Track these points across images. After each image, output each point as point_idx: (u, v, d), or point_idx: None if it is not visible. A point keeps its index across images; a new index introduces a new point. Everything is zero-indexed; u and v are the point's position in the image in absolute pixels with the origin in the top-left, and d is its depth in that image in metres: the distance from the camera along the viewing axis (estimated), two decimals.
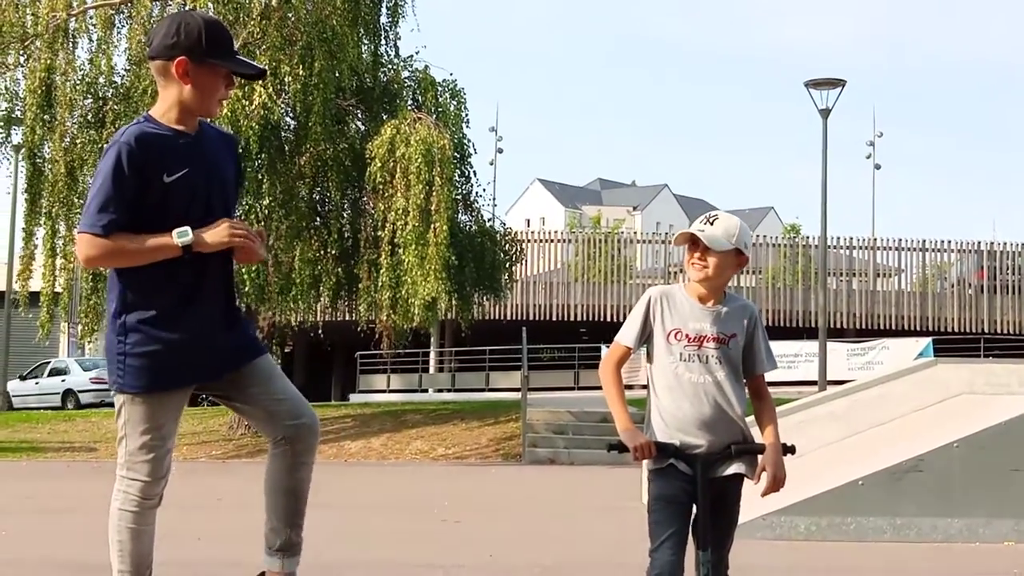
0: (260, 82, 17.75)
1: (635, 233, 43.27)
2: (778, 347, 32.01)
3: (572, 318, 33.22)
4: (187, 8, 18.45)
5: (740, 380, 3.68)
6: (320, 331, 24.00)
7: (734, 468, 3.60)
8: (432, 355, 34.41)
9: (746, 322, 3.69)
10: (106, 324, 3.79)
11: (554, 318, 33.06)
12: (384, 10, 20.64)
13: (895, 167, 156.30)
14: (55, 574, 6.52)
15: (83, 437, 21.96)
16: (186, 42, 3.63)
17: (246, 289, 18.16)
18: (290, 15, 18.75)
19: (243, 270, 17.81)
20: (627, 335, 3.66)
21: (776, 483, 3.63)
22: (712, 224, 3.61)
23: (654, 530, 3.60)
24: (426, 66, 20.76)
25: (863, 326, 32.53)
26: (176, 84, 3.65)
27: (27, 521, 9.65)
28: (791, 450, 3.67)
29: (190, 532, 7.83)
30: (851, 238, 34.75)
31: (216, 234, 3.62)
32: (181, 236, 3.58)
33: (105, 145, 17.01)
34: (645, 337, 3.65)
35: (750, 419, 3.74)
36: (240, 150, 4.05)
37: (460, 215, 20.60)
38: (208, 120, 3.88)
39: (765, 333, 3.75)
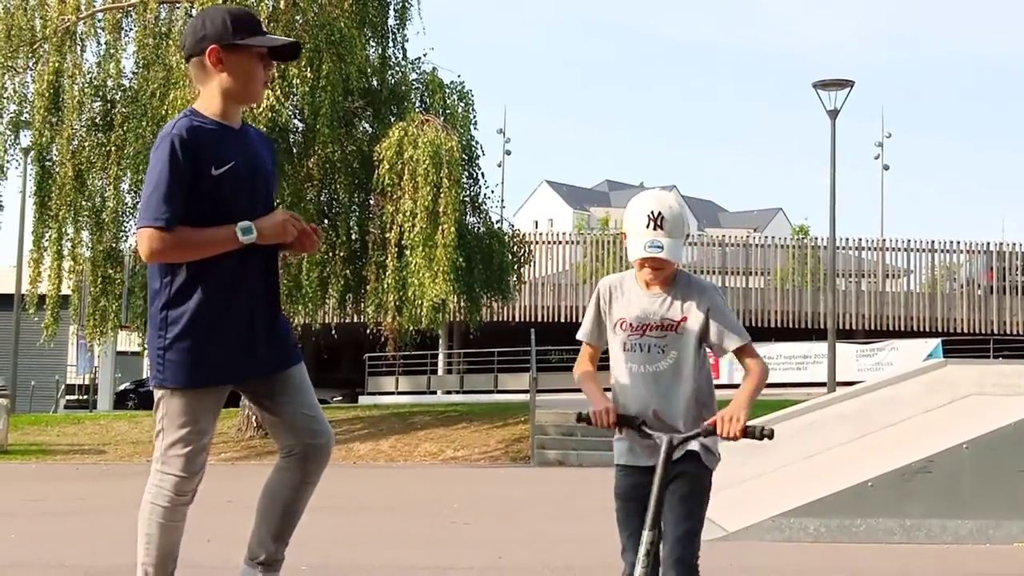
0: (269, 85, 17.74)
1: None
2: (787, 348, 32.16)
3: (580, 320, 32.86)
4: (195, 9, 18.46)
5: (697, 365, 3.50)
6: (335, 332, 24.02)
7: (693, 446, 3.46)
8: (440, 357, 34.42)
9: (699, 303, 3.52)
10: (148, 319, 3.78)
11: (562, 319, 33.03)
12: (391, 12, 20.66)
13: (904, 168, 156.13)
14: None
15: (92, 440, 22.00)
16: (212, 31, 3.67)
17: None
18: (298, 18, 18.77)
19: None
20: (583, 331, 3.65)
21: (723, 423, 3.40)
22: (664, 229, 3.42)
23: (619, 530, 3.52)
24: (434, 68, 20.82)
25: (872, 327, 32.47)
26: (215, 76, 3.67)
27: (36, 524, 9.66)
28: (766, 435, 3.44)
29: (200, 534, 7.82)
30: (860, 239, 34.71)
31: (275, 227, 3.62)
32: (246, 234, 3.58)
33: (113, 148, 16.92)
34: (600, 330, 3.61)
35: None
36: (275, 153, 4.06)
37: (468, 217, 20.60)
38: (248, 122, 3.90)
39: (727, 308, 3.58)
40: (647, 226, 3.43)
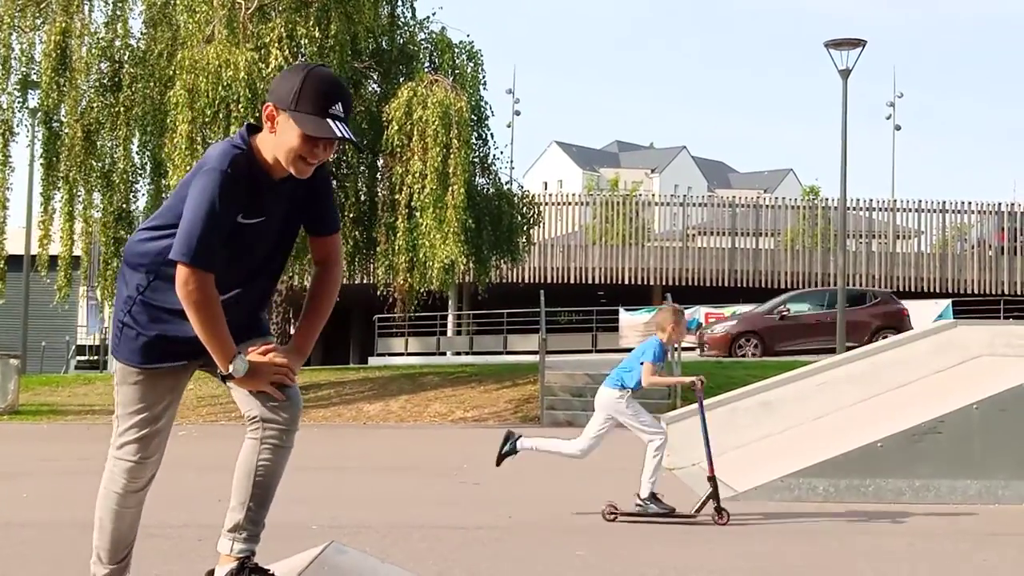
0: (277, 45, 17.67)
1: (653, 195, 43.12)
2: (798, 309, 31.88)
3: (590, 281, 33.19)
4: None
5: None
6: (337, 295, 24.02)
7: None
8: (450, 318, 34.47)
9: None
10: (120, 287, 3.66)
11: (572, 281, 33.04)
12: None
13: (915, 128, 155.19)
14: (77, 535, 6.55)
15: (103, 400, 22.09)
16: (281, 88, 3.45)
17: None
18: None
19: None
20: None
21: None
22: None
23: None
24: (443, 28, 20.69)
25: (882, 288, 32.41)
26: (269, 130, 3.47)
27: (48, 483, 9.72)
28: None
29: (210, 494, 7.86)
30: (871, 200, 34.62)
31: (263, 378, 3.49)
32: (236, 367, 3.44)
33: (122, 109, 16.65)
34: None
35: None
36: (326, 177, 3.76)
37: (477, 178, 20.54)
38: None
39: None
40: None
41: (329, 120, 3.41)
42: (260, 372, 3.50)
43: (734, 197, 39.02)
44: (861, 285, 32.14)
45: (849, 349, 19.09)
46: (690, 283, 32.28)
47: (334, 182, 20.31)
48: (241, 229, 3.44)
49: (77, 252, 20.31)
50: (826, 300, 26.34)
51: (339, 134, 3.41)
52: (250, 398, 3.59)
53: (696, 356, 25.21)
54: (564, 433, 16.28)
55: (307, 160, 3.45)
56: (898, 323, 25.40)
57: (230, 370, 3.46)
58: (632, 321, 30.77)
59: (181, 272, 3.38)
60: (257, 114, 17.19)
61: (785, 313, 26.17)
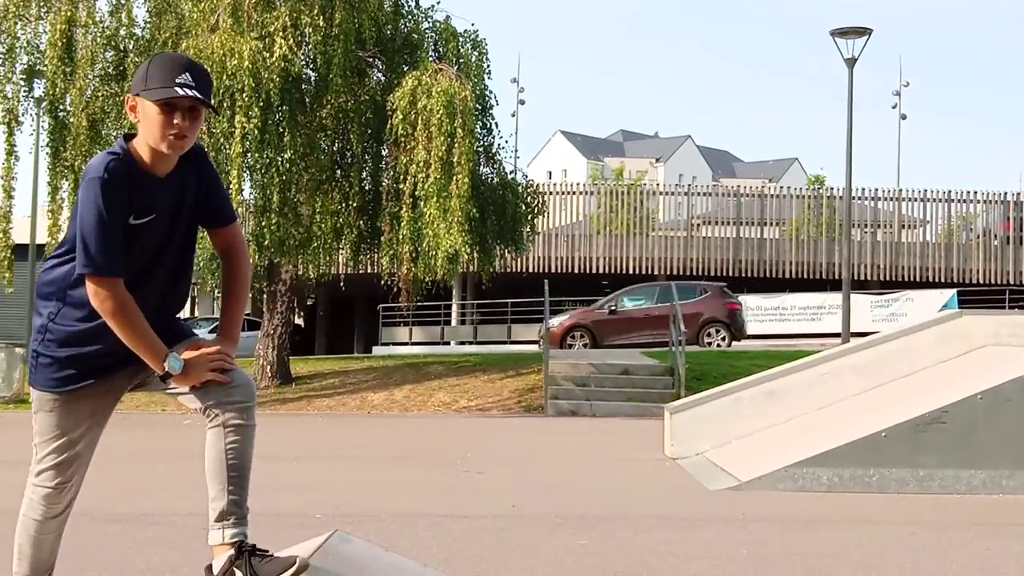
0: (281, 34, 17.65)
1: (658, 185, 43.08)
2: (802, 299, 32.27)
3: (594, 270, 33.19)
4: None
5: None
6: (343, 284, 24.05)
7: None
8: (454, 308, 34.49)
9: None
10: (34, 326, 3.71)
11: (576, 270, 33.05)
12: None
13: (922, 117, 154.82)
14: (80, 523, 6.56)
15: None
16: (136, 78, 3.55)
17: (266, 243, 18.14)
18: None
19: (263, 223, 17.85)
20: None
21: None
22: None
23: None
24: (447, 16, 20.65)
25: (887, 278, 32.40)
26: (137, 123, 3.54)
27: None
28: None
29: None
30: (876, 189, 34.57)
31: (199, 372, 3.52)
32: (171, 367, 3.48)
33: (126, 96, 16.75)
34: None
35: None
36: (205, 160, 3.76)
37: (482, 167, 20.51)
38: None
39: None
40: None
41: (176, 88, 3.47)
42: (197, 365, 3.52)
43: (739, 186, 38.98)
44: (866, 275, 32.12)
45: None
46: (695, 273, 32.27)
47: (338, 171, 20.30)
48: (135, 230, 3.47)
49: None
50: (656, 295, 26.59)
51: (183, 92, 3.46)
52: (196, 396, 3.59)
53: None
54: (568, 423, 16.34)
55: (174, 135, 3.47)
56: (727, 316, 25.67)
57: (166, 368, 3.48)
58: None
59: (90, 285, 3.43)
60: (261, 103, 17.30)
61: (615, 308, 26.65)
